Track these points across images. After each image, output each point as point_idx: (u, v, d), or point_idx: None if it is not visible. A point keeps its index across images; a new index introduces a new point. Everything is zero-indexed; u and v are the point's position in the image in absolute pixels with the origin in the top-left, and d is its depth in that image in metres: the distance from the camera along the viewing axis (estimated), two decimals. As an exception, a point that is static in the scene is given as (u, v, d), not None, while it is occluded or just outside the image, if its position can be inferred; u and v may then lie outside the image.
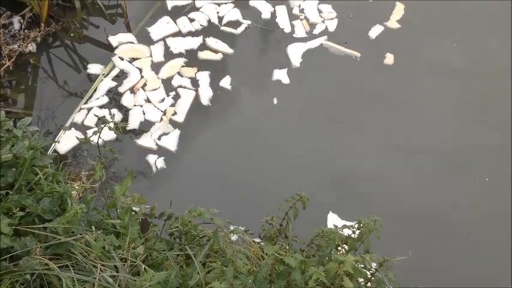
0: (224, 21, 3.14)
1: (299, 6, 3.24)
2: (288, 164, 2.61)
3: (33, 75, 2.90)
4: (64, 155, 2.57)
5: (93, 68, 2.91)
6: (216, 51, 3.01)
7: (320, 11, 3.24)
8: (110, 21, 3.14)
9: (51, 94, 2.81)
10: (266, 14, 3.20)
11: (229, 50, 3.02)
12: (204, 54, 3.00)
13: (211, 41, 3.04)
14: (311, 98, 2.86)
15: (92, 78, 2.87)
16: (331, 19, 3.19)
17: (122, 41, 3.02)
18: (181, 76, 2.91)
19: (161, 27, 3.09)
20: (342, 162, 2.62)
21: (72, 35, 3.05)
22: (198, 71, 2.93)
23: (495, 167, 2.64)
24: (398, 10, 3.26)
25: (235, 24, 3.15)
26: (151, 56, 2.97)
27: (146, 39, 3.06)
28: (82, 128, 2.67)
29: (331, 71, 2.98)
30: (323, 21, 3.18)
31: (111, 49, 2.99)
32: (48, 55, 3.00)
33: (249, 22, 3.14)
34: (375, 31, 3.15)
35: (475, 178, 2.60)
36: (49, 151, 2.49)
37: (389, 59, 3.02)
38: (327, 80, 2.94)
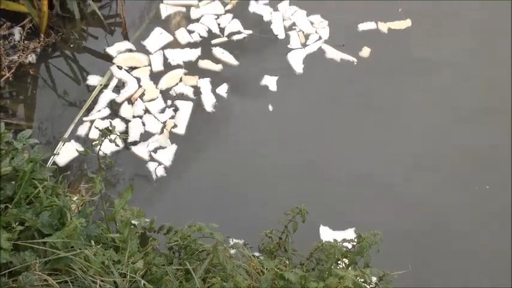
0: (226, 32, 3.15)
1: (290, 19, 3.24)
2: (287, 175, 2.61)
3: (32, 86, 2.90)
4: (63, 167, 2.56)
5: (93, 79, 2.92)
6: (218, 62, 3.01)
7: (312, 22, 3.24)
8: (109, 32, 3.14)
9: (50, 105, 2.81)
10: (267, 18, 3.22)
11: (234, 62, 3.03)
12: (204, 64, 3.00)
13: (218, 51, 3.05)
14: (306, 105, 2.87)
15: (91, 89, 2.87)
16: (323, 28, 3.20)
17: (121, 50, 3.02)
18: (185, 85, 2.91)
19: (156, 39, 3.09)
20: (340, 170, 2.62)
21: (71, 45, 3.06)
22: (199, 78, 2.94)
23: (494, 173, 2.64)
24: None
25: (235, 34, 3.15)
26: (150, 65, 2.98)
27: (145, 49, 3.06)
28: (87, 140, 2.68)
29: (332, 75, 2.99)
30: (316, 32, 3.18)
31: (110, 59, 3.00)
32: (48, 66, 3.00)
33: (250, 32, 3.15)
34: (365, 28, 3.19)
35: (474, 185, 2.60)
36: (48, 163, 2.48)
37: (367, 52, 3.05)
38: (327, 85, 2.96)
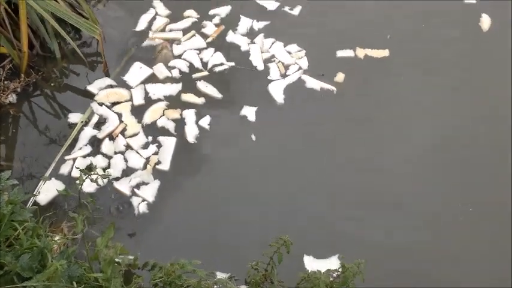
0: (209, 65, 3.19)
1: (268, 51, 3.29)
2: (273, 205, 2.62)
3: (13, 125, 2.89)
4: (45, 205, 2.54)
5: (73, 117, 2.92)
6: (201, 95, 3.04)
7: (289, 52, 3.30)
8: (90, 68, 3.16)
9: (32, 144, 2.79)
10: (244, 48, 3.27)
11: (218, 95, 3.06)
12: (187, 97, 3.03)
13: (202, 85, 3.08)
14: (288, 134, 2.90)
15: (73, 127, 2.87)
16: (301, 58, 3.26)
17: (101, 87, 3.04)
18: (167, 119, 2.93)
19: (135, 73, 3.12)
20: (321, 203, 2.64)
21: (52, 84, 3.07)
22: (182, 110, 2.96)
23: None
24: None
25: (217, 66, 3.19)
26: (131, 100, 3.00)
27: (126, 83, 3.08)
28: (70, 179, 2.65)
29: (313, 103, 3.04)
30: (295, 63, 3.24)
31: (91, 96, 3.01)
32: (30, 105, 3.00)
33: (232, 64, 3.20)
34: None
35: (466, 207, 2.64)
36: (29, 203, 2.45)
37: (341, 78, 3.14)
38: (308, 113, 2.99)
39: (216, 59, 3.23)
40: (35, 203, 2.52)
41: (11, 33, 2.91)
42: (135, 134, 2.85)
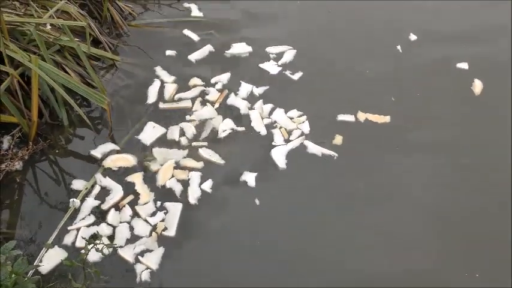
0: (220, 132, 3.25)
1: (269, 118, 3.36)
2: (278, 271, 2.60)
3: (18, 192, 2.91)
4: (47, 274, 2.50)
5: (77, 184, 2.94)
6: (202, 160, 3.09)
7: (291, 118, 3.37)
8: (96, 134, 3.23)
9: (34, 212, 2.80)
10: (244, 111, 3.37)
11: (220, 161, 3.10)
12: (189, 162, 3.07)
13: (205, 152, 3.14)
14: (291, 199, 2.92)
15: (76, 194, 2.89)
16: (303, 122, 3.33)
17: (105, 151, 3.08)
18: (176, 180, 2.98)
19: (149, 133, 3.20)
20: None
21: (57, 151, 3.12)
22: (189, 171, 3.01)
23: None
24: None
25: (224, 131, 3.26)
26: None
27: (132, 148, 3.13)
28: (74, 249, 2.65)
29: (314, 169, 3.07)
30: (297, 128, 3.31)
31: (97, 161, 3.05)
32: (34, 172, 3.03)
33: (242, 128, 3.27)
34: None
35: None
36: (30, 273, 2.42)
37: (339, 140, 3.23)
38: (311, 178, 3.02)
39: (225, 125, 3.28)
40: (37, 272, 2.49)
41: (22, 104, 3.01)
42: (146, 203, 2.86)
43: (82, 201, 2.84)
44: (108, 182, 2.94)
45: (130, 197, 2.89)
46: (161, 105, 3.40)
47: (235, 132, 3.26)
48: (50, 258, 2.57)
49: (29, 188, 2.95)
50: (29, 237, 2.69)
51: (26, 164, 3.02)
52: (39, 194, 2.92)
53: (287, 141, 3.23)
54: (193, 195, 2.90)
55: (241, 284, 2.53)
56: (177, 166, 3.06)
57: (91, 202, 2.85)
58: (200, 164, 3.07)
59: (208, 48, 3.79)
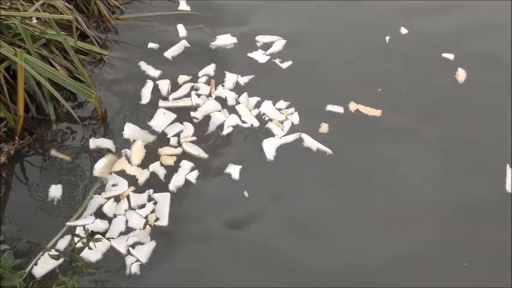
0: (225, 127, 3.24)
1: (259, 111, 3.32)
2: (270, 263, 2.60)
3: (5, 187, 2.88)
4: (40, 278, 2.47)
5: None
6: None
7: (279, 109, 3.33)
8: (84, 129, 3.20)
9: (21, 207, 2.78)
10: (231, 102, 3.35)
11: (204, 155, 3.10)
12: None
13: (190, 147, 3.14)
14: (277, 188, 2.92)
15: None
16: (292, 113, 3.30)
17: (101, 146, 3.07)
18: (160, 164, 3.00)
19: (160, 119, 3.21)
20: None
21: (45, 145, 3.08)
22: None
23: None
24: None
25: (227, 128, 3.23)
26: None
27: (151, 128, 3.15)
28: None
29: (306, 164, 3.05)
30: (286, 119, 3.27)
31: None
32: (21, 166, 3.00)
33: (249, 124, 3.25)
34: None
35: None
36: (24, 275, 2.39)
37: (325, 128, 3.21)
38: (300, 169, 3.01)
39: (231, 121, 3.25)
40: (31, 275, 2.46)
41: (7, 98, 2.97)
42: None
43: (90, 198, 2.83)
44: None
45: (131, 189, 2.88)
46: (161, 104, 3.32)
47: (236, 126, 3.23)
48: (46, 263, 2.51)
49: (16, 183, 2.92)
50: (14, 233, 2.66)
51: (12, 158, 2.98)
52: (26, 189, 2.89)
53: (280, 133, 3.18)
54: (175, 184, 2.90)
55: (238, 282, 2.53)
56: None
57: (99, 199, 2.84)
58: (178, 150, 3.06)
59: (193, 42, 3.73)
